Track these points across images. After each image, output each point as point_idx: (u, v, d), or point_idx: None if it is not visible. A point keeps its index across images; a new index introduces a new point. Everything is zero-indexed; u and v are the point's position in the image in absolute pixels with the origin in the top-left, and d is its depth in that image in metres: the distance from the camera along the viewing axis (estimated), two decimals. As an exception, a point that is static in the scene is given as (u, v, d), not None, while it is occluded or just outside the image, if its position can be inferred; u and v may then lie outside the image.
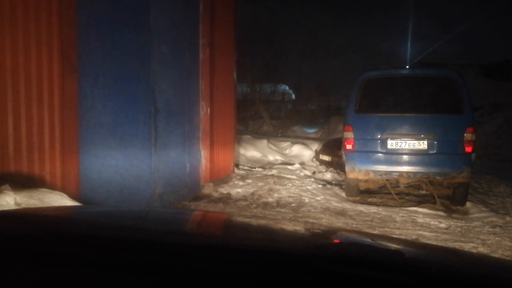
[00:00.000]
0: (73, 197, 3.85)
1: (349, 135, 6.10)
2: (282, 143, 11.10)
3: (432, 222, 4.96)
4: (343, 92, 14.78)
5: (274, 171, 7.98)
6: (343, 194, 6.58)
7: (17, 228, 1.02)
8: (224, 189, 6.39)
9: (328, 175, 8.31)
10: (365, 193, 6.74)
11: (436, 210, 5.68)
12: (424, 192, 6.33)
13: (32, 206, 3.10)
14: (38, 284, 0.80)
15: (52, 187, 3.98)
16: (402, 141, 5.90)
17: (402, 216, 5.24)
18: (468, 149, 5.68)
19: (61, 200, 3.50)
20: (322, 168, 9.11)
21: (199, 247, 0.93)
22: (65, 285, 0.80)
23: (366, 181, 6.35)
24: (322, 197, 6.20)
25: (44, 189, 3.63)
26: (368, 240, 1.36)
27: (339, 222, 4.89)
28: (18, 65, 3.83)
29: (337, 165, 8.52)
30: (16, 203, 3.16)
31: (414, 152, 5.88)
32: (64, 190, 3.99)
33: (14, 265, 0.84)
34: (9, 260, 0.86)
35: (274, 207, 5.56)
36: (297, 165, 8.76)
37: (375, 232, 4.44)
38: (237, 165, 8.18)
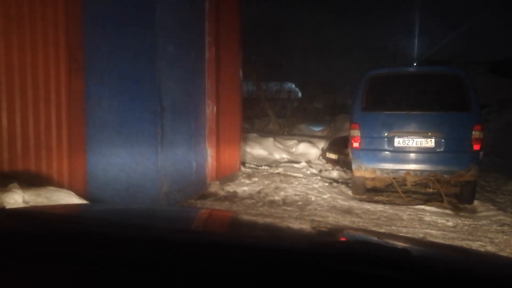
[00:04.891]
0: (80, 195, 3.87)
1: (356, 133, 6.07)
2: (288, 141, 11.10)
3: (439, 221, 4.93)
4: (349, 89, 14.73)
5: (280, 169, 7.98)
6: (350, 192, 6.56)
7: (25, 226, 1.02)
8: (230, 187, 6.40)
9: (335, 173, 8.29)
10: (372, 191, 6.71)
11: (444, 208, 5.65)
12: (431, 190, 6.30)
13: (40, 204, 3.13)
14: (45, 282, 0.80)
15: (59, 185, 4.01)
16: (409, 139, 5.87)
17: (409, 214, 5.21)
18: (476, 147, 5.64)
19: (68, 198, 3.52)
20: (329, 166, 9.10)
21: (205, 245, 0.93)
22: (71, 283, 0.80)
23: (373, 179, 6.32)
24: (328, 195, 6.18)
25: (52, 187, 3.66)
26: (375, 238, 1.35)
27: (345, 221, 4.88)
28: (25, 64, 3.86)
29: (344, 163, 8.50)
30: (24, 201, 3.18)
31: (421, 150, 5.84)
32: (71, 188, 4.02)
33: (22, 264, 0.85)
34: (16, 258, 0.86)
35: (280, 205, 5.55)
36: (303, 163, 8.75)
37: (382, 230, 4.43)
38: (243, 163, 8.19)
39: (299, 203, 5.68)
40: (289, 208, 5.39)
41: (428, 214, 5.25)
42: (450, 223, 4.83)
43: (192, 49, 5.59)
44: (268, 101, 17.08)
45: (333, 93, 19.61)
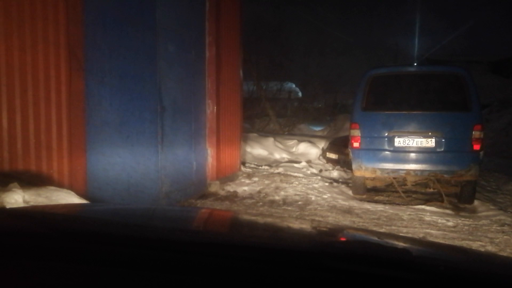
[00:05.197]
0: (80, 195, 3.87)
1: (356, 133, 6.07)
2: (289, 141, 11.09)
3: (439, 220, 4.93)
4: (350, 89, 14.71)
5: (280, 169, 7.97)
6: (350, 192, 6.56)
7: (26, 225, 1.02)
8: (230, 187, 6.40)
9: (335, 173, 8.28)
10: (372, 191, 6.71)
11: (444, 208, 5.64)
12: (431, 190, 6.30)
13: (40, 204, 3.13)
14: (45, 280, 0.81)
15: (60, 185, 4.01)
16: (410, 139, 5.87)
17: (409, 214, 5.21)
18: (476, 147, 5.64)
19: (68, 198, 3.52)
20: (329, 166, 9.09)
21: (205, 244, 0.93)
22: (72, 281, 0.80)
23: (373, 179, 6.32)
24: (328, 195, 6.18)
25: (52, 187, 3.66)
26: (375, 238, 1.35)
27: (345, 220, 4.88)
28: (25, 64, 3.86)
29: (344, 163, 8.49)
30: (25, 201, 3.19)
31: (421, 150, 5.84)
32: (71, 188, 4.02)
33: (23, 262, 0.85)
34: (17, 257, 0.87)
35: (281, 205, 5.55)
36: (303, 163, 8.74)
37: (382, 230, 4.43)
38: (243, 163, 8.18)
39: (300, 203, 5.68)
40: (289, 208, 5.39)
41: (428, 214, 5.25)
42: (450, 223, 4.83)
43: (193, 49, 5.59)
44: (268, 100, 17.04)
45: (333, 93, 19.59)
